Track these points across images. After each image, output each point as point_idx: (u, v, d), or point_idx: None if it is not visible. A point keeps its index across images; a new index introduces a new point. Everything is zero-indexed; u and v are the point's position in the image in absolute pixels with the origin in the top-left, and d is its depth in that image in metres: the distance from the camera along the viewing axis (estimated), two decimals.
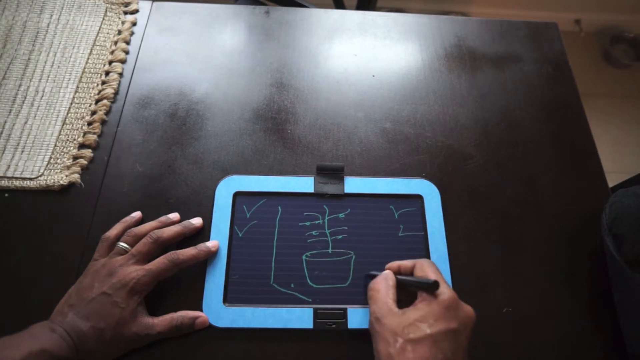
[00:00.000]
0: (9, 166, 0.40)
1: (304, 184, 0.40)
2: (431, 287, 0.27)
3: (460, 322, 0.27)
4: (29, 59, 0.46)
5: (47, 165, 0.40)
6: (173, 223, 0.37)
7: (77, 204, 0.39)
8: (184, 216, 0.38)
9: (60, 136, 0.42)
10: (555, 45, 0.51)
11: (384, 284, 0.30)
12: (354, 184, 0.40)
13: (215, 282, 0.35)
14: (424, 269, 0.30)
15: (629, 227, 0.38)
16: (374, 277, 0.33)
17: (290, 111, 0.45)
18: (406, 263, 0.32)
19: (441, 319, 0.26)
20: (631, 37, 1.36)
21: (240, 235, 0.38)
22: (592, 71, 1.34)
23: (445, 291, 0.28)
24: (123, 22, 0.50)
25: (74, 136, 0.42)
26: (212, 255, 0.36)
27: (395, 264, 0.33)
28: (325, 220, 0.39)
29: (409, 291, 0.30)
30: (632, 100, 1.30)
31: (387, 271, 0.32)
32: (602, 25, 1.39)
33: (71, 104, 0.44)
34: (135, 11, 0.51)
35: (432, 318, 0.26)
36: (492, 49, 0.51)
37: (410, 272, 0.31)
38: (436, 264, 0.37)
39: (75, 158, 0.41)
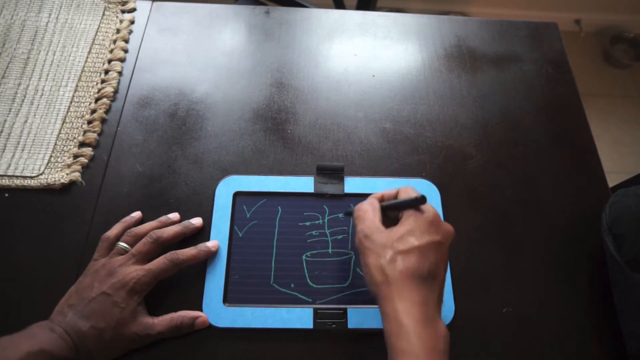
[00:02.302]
0: (9, 165, 0.40)
1: (304, 184, 0.40)
2: (419, 202, 0.29)
3: (442, 235, 0.29)
4: (28, 57, 0.46)
5: (47, 163, 0.40)
6: (173, 223, 0.37)
7: (78, 203, 0.39)
8: (184, 216, 0.38)
9: (61, 135, 0.42)
10: (555, 45, 0.51)
11: (370, 206, 0.31)
12: (354, 184, 0.40)
13: (215, 282, 0.35)
14: (408, 192, 0.31)
15: (629, 227, 0.38)
16: (349, 212, 0.34)
17: (290, 111, 0.45)
18: (389, 191, 0.33)
19: (426, 232, 0.28)
20: (631, 37, 1.36)
21: (240, 235, 0.38)
22: (592, 71, 1.34)
23: (429, 208, 0.30)
24: (121, 21, 0.49)
25: (74, 135, 0.42)
26: (212, 255, 0.36)
27: (378, 193, 0.34)
28: (325, 220, 0.39)
29: (390, 219, 0.31)
30: (632, 100, 1.30)
31: (370, 198, 0.33)
32: (602, 25, 1.39)
33: (71, 102, 0.44)
34: (133, 10, 0.51)
35: (418, 231, 0.28)
36: (492, 49, 0.51)
37: (394, 198, 0.33)
38: None
39: (75, 156, 0.41)
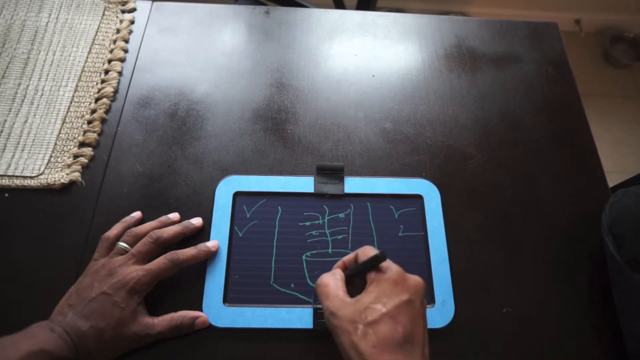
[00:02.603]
0: (9, 165, 0.40)
1: (304, 184, 0.40)
2: (379, 259, 0.28)
3: (411, 292, 0.27)
4: (28, 57, 0.46)
5: (47, 163, 0.40)
6: (173, 223, 0.37)
7: (78, 203, 0.39)
8: (184, 216, 0.38)
9: (61, 135, 0.42)
10: (555, 45, 0.51)
11: (332, 278, 0.30)
12: (354, 184, 0.40)
13: (215, 282, 0.35)
14: (366, 253, 0.30)
15: (629, 227, 0.38)
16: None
17: (290, 111, 0.45)
18: (348, 256, 0.32)
19: (393, 294, 0.27)
20: (631, 37, 1.36)
21: (240, 235, 0.38)
22: (592, 71, 1.34)
23: (392, 267, 0.28)
24: (121, 21, 0.49)
25: (74, 135, 0.42)
26: (212, 255, 0.36)
27: (340, 262, 0.32)
28: (325, 220, 0.39)
29: (358, 286, 0.30)
30: (632, 100, 1.30)
31: (334, 268, 0.32)
32: (602, 25, 1.39)
33: (71, 102, 0.44)
34: (133, 10, 0.51)
35: (384, 297, 0.27)
36: (492, 49, 0.51)
37: (355, 262, 0.31)
38: (436, 264, 0.37)
39: (75, 156, 0.41)
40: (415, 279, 0.28)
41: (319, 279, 0.30)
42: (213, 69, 0.47)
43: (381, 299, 0.27)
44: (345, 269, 0.32)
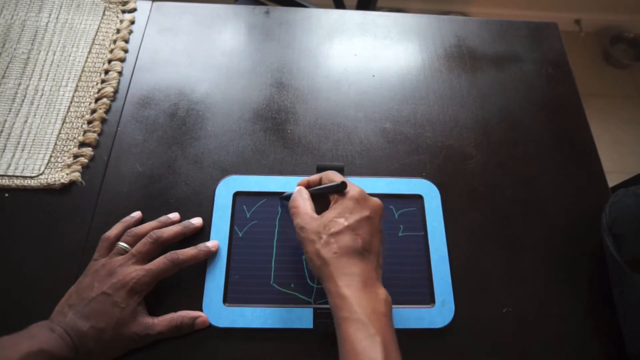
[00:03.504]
0: (9, 165, 0.40)
1: None
2: (340, 187, 0.31)
3: (371, 209, 0.31)
4: (28, 57, 0.46)
5: (47, 163, 0.40)
6: (173, 223, 0.37)
7: (78, 203, 0.39)
8: (184, 216, 0.38)
9: (61, 135, 0.42)
10: (555, 45, 0.51)
11: (300, 199, 0.33)
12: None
13: (215, 282, 0.35)
14: (330, 177, 0.33)
15: (629, 227, 0.38)
16: (287, 197, 0.36)
17: (290, 111, 0.45)
18: (313, 177, 0.35)
19: (354, 210, 0.30)
20: (631, 37, 1.36)
21: (240, 235, 0.38)
22: (592, 71, 1.34)
23: (354, 188, 0.32)
24: (121, 21, 0.49)
25: (74, 135, 0.42)
26: (212, 255, 0.36)
27: (304, 180, 0.35)
28: None
29: (322, 203, 0.33)
30: (632, 100, 1.30)
31: (298, 187, 0.34)
32: (602, 25, 1.39)
33: (71, 102, 0.44)
34: (133, 10, 0.51)
35: (347, 212, 0.30)
36: (492, 49, 0.51)
37: (319, 183, 0.34)
38: (436, 264, 0.37)
39: (75, 156, 0.41)
40: (375, 200, 0.32)
41: (291, 201, 0.34)
42: (213, 69, 0.47)
43: (344, 214, 0.30)
44: (308, 186, 0.35)
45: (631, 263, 0.35)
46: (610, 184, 0.44)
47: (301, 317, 0.34)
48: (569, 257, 0.39)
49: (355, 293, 0.27)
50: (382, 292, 0.28)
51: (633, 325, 0.34)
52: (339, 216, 0.30)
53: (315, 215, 0.31)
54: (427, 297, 0.36)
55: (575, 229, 0.40)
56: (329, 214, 0.30)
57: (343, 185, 0.31)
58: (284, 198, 0.38)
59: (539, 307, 0.36)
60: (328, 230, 0.29)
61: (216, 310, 0.34)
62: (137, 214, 0.38)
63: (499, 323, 0.36)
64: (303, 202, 0.32)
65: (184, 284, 0.35)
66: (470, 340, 0.35)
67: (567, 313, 0.36)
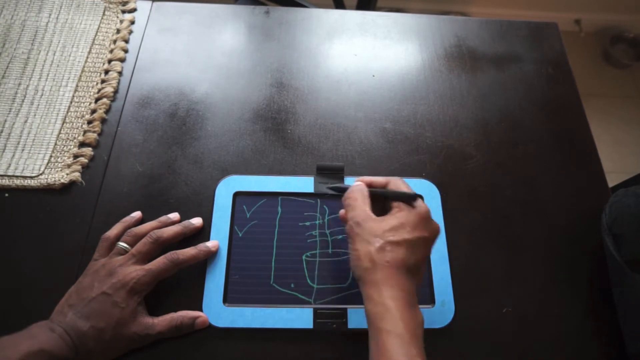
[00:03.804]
0: (9, 165, 0.40)
1: (304, 184, 0.40)
2: (412, 198, 0.31)
3: (430, 232, 0.30)
4: (28, 57, 0.46)
5: (47, 163, 0.40)
6: (173, 223, 0.37)
7: (78, 203, 0.39)
8: (184, 216, 0.38)
9: (61, 135, 0.42)
10: (555, 45, 0.51)
11: (360, 194, 0.32)
12: None
13: (215, 282, 0.35)
14: (399, 186, 0.32)
15: (629, 227, 0.38)
16: (339, 189, 0.35)
17: (290, 111, 0.45)
18: (379, 179, 0.34)
19: (417, 227, 0.29)
20: (631, 37, 1.36)
21: (240, 235, 0.38)
22: (592, 71, 1.34)
23: (422, 204, 0.31)
24: (121, 21, 0.49)
25: (74, 135, 0.42)
26: (212, 255, 0.36)
27: (366, 178, 0.34)
28: (325, 220, 0.39)
29: (377, 206, 0.32)
30: (632, 100, 1.30)
31: (359, 183, 0.34)
32: (602, 25, 1.39)
33: (71, 102, 0.44)
34: (133, 10, 0.51)
35: (409, 225, 0.29)
36: (492, 49, 0.51)
37: (383, 187, 0.33)
38: (436, 264, 0.37)
39: (75, 156, 0.41)
40: (437, 224, 0.31)
41: (348, 192, 0.33)
42: (213, 69, 0.47)
43: (406, 226, 0.29)
44: (369, 185, 0.34)
45: (631, 263, 0.35)
46: (610, 184, 0.44)
47: (301, 317, 0.34)
48: (569, 257, 0.39)
49: (400, 308, 0.27)
50: (420, 315, 0.28)
51: (633, 325, 0.34)
52: (401, 227, 0.29)
53: (374, 216, 0.30)
54: (427, 297, 0.36)
55: (575, 229, 0.40)
56: (390, 221, 0.29)
57: (415, 197, 0.30)
58: (333, 188, 0.37)
59: (539, 307, 0.36)
60: (387, 237, 0.28)
61: (216, 310, 0.34)
62: (137, 214, 0.38)
63: (499, 323, 0.36)
64: (362, 197, 0.32)
65: (184, 284, 0.35)
66: (470, 340, 0.35)
67: (567, 313, 0.36)
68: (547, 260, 0.39)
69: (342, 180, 0.40)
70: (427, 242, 0.30)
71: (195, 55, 0.48)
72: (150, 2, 0.51)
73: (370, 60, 0.49)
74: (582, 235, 0.40)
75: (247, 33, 0.50)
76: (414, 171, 0.42)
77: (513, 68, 0.49)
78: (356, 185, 0.33)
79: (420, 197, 0.30)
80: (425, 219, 0.30)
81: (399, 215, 0.30)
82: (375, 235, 0.29)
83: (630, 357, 0.34)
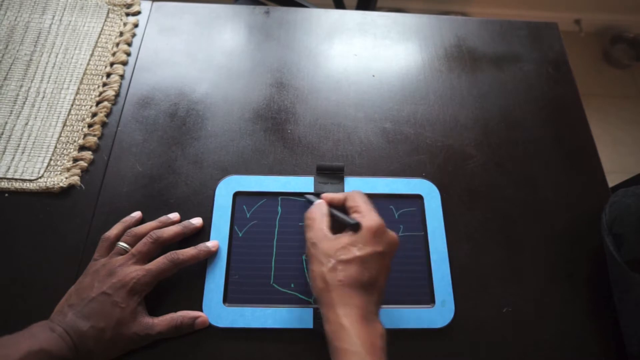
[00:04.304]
0: (9, 167, 0.40)
1: (304, 184, 0.40)
2: (354, 228, 0.30)
3: (385, 246, 0.30)
4: (30, 59, 0.46)
5: (47, 167, 0.40)
6: (173, 223, 0.37)
7: (77, 206, 0.39)
8: (184, 216, 0.38)
9: (61, 138, 0.42)
10: (555, 45, 0.51)
11: (318, 213, 0.32)
12: (354, 184, 0.40)
13: (215, 282, 0.35)
14: (355, 200, 0.32)
15: (629, 227, 0.38)
16: (309, 202, 0.35)
17: (290, 111, 0.45)
18: (338, 196, 0.34)
19: (369, 243, 0.29)
20: (631, 37, 1.36)
21: (240, 235, 0.38)
22: (592, 71, 1.34)
23: (374, 218, 0.30)
24: (125, 24, 0.50)
25: (74, 138, 0.42)
26: (212, 255, 0.36)
27: (328, 195, 0.35)
28: None
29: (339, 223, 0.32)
30: (632, 100, 1.30)
31: (320, 201, 0.34)
32: (602, 25, 1.38)
33: (72, 105, 0.44)
34: (137, 13, 0.51)
35: (361, 242, 0.29)
36: (492, 49, 0.51)
37: (342, 204, 0.33)
38: (436, 264, 0.37)
39: (75, 160, 0.41)
40: (392, 235, 0.31)
41: (308, 212, 0.33)
42: (213, 69, 0.47)
43: (358, 243, 0.29)
44: (331, 204, 0.34)
45: (631, 263, 0.35)
46: (610, 184, 0.44)
47: (301, 317, 0.34)
48: (569, 257, 0.39)
49: (354, 325, 0.27)
50: (379, 327, 0.28)
51: (633, 325, 0.34)
52: (353, 244, 0.29)
53: (330, 235, 0.31)
54: (427, 297, 0.36)
55: (575, 229, 0.40)
56: (343, 239, 0.30)
57: (357, 227, 0.30)
58: (306, 200, 0.38)
59: (539, 307, 0.36)
60: (338, 257, 0.29)
61: (216, 310, 0.34)
62: (137, 214, 0.38)
63: (499, 323, 0.36)
64: (320, 217, 0.32)
65: (184, 284, 0.36)
66: (470, 340, 0.35)
67: (567, 313, 0.36)
68: (547, 260, 0.39)
69: (342, 180, 0.40)
70: (381, 256, 0.30)
71: (195, 55, 0.48)
72: (150, 2, 0.51)
73: (370, 60, 0.49)
74: (582, 235, 0.40)
75: (247, 33, 0.50)
76: (414, 171, 0.42)
77: (513, 68, 0.49)
78: (316, 204, 0.33)
79: (357, 225, 0.30)
80: (376, 232, 0.30)
81: (350, 232, 0.30)
82: (328, 255, 0.29)
83: (630, 357, 0.34)
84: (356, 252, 0.29)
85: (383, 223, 0.30)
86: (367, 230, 0.30)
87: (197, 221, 0.37)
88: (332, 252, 0.29)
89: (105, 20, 0.49)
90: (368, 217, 0.30)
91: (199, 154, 0.42)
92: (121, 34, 0.49)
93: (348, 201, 0.33)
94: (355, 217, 0.31)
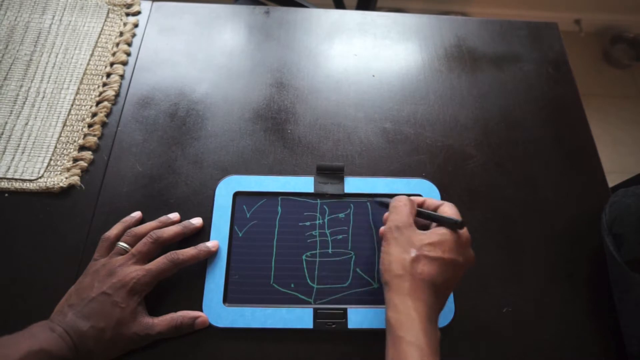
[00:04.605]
0: (9, 167, 0.40)
1: (304, 184, 0.40)
2: (456, 226, 0.30)
3: (465, 259, 0.30)
4: (30, 59, 0.46)
5: (47, 167, 0.40)
6: (173, 223, 0.37)
7: (77, 206, 0.39)
8: (184, 216, 0.38)
9: (61, 138, 0.42)
10: (555, 45, 0.51)
11: (408, 202, 0.33)
12: (354, 184, 0.40)
13: (215, 282, 0.35)
14: (451, 209, 0.32)
15: (629, 227, 0.38)
16: (383, 203, 0.36)
17: (290, 111, 0.45)
18: (434, 201, 0.34)
19: (454, 250, 0.30)
20: (631, 37, 1.36)
21: (240, 235, 0.38)
22: (592, 71, 1.34)
23: (465, 231, 0.31)
24: (125, 24, 0.50)
25: (74, 138, 0.42)
26: (212, 255, 0.36)
27: (419, 199, 0.35)
28: (325, 220, 0.39)
29: (419, 224, 0.32)
30: (631, 100, 1.30)
31: (411, 198, 0.34)
32: (602, 25, 1.38)
33: (72, 105, 0.44)
34: (137, 13, 0.51)
35: (447, 246, 0.30)
36: (492, 49, 0.51)
37: (434, 209, 0.33)
38: None
39: (75, 160, 0.41)
40: (472, 253, 0.31)
41: (398, 197, 0.33)
42: (213, 69, 0.47)
43: (444, 246, 0.30)
44: (421, 206, 0.34)
45: (631, 263, 0.35)
46: (610, 184, 0.44)
47: (301, 317, 0.34)
48: (569, 257, 0.39)
49: (424, 321, 0.27)
50: (439, 333, 0.28)
51: (633, 325, 0.34)
52: (440, 245, 0.29)
53: (415, 227, 0.31)
54: None
55: (575, 229, 0.40)
56: (431, 236, 0.30)
57: (460, 225, 0.30)
58: (379, 203, 0.37)
59: (539, 307, 0.36)
60: (424, 251, 0.29)
61: (216, 310, 0.34)
62: (137, 214, 0.38)
63: (499, 323, 0.36)
64: (410, 206, 0.32)
65: (184, 284, 0.36)
66: (470, 340, 0.35)
67: (567, 313, 0.36)
68: (547, 260, 0.39)
69: (342, 180, 0.40)
70: (458, 268, 0.30)
71: (195, 55, 0.48)
72: (150, 2, 0.51)
73: (370, 60, 0.49)
74: (582, 235, 0.40)
75: (247, 33, 0.50)
76: (414, 171, 0.42)
77: (513, 68, 0.49)
78: (407, 198, 0.34)
79: (462, 224, 0.30)
80: (464, 245, 0.30)
81: (440, 232, 0.30)
82: (413, 245, 0.29)
83: (630, 357, 0.34)
84: (441, 253, 0.29)
85: (470, 238, 0.31)
86: (456, 238, 0.30)
87: (197, 221, 0.37)
88: (418, 244, 0.29)
89: (105, 20, 0.49)
90: (460, 230, 0.31)
91: (199, 154, 0.42)
92: (121, 34, 0.49)
93: (443, 207, 0.33)
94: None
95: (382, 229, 0.33)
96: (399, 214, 0.32)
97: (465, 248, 0.31)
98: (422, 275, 0.28)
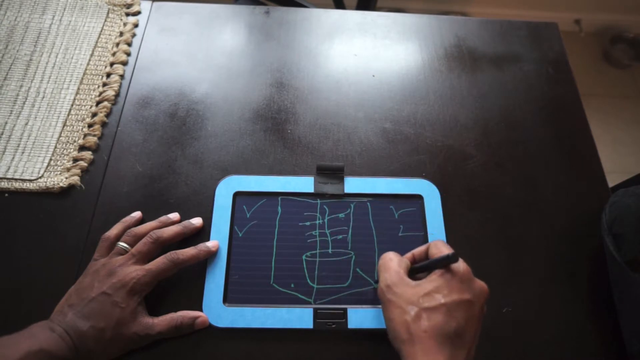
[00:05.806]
0: (9, 167, 0.40)
1: (304, 184, 0.40)
2: (451, 260, 0.28)
3: (473, 294, 0.28)
4: (30, 59, 0.46)
5: (47, 167, 0.40)
6: (173, 223, 0.37)
7: (77, 206, 0.39)
8: (184, 216, 0.38)
9: (61, 138, 0.42)
10: (555, 45, 0.51)
11: (397, 257, 0.31)
12: (354, 184, 0.40)
13: (215, 282, 0.35)
14: (439, 247, 0.31)
15: (629, 227, 0.38)
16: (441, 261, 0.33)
17: (290, 111, 0.45)
18: (419, 249, 0.33)
19: (455, 290, 0.27)
20: (631, 37, 1.36)
21: (240, 235, 0.38)
22: (592, 71, 1.34)
23: (460, 265, 0.29)
24: (125, 24, 0.50)
25: (74, 138, 0.42)
26: (212, 255, 0.36)
27: (410, 254, 0.33)
28: (325, 220, 0.39)
29: (418, 277, 0.30)
30: (632, 100, 1.30)
31: (402, 257, 0.32)
32: (602, 25, 1.38)
33: (72, 105, 0.44)
34: (137, 13, 0.51)
35: (446, 289, 0.27)
36: (492, 49, 0.51)
37: (425, 256, 0.32)
38: None
39: (75, 160, 0.41)
40: (481, 284, 0.29)
41: (385, 254, 0.31)
42: (213, 69, 0.47)
43: (442, 290, 0.27)
44: (414, 261, 0.32)
45: (631, 263, 0.35)
46: (610, 184, 0.44)
47: (301, 317, 0.34)
48: (569, 257, 0.39)
49: None
50: None
51: (633, 325, 0.34)
52: (437, 291, 0.27)
53: (408, 280, 0.29)
54: None
55: (575, 229, 0.40)
56: (426, 285, 0.28)
57: (454, 257, 0.28)
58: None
59: (539, 307, 0.36)
60: (422, 304, 0.27)
61: (216, 310, 0.34)
62: (137, 214, 0.38)
63: (498, 323, 0.36)
64: (398, 261, 0.30)
65: (184, 284, 0.36)
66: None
67: (567, 313, 0.36)
68: (547, 260, 0.39)
69: (342, 180, 0.40)
70: (469, 306, 0.27)
71: (195, 55, 0.48)
72: (150, 2, 0.51)
73: (370, 60, 0.49)
74: (582, 235, 0.40)
75: (247, 33, 0.50)
76: (414, 171, 0.42)
77: (513, 68, 0.49)
78: (392, 252, 0.32)
79: (455, 257, 0.28)
80: (464, 280, 0.28)
81: (433, 278, 0.28)
82: (410, 302, 0.27)
83: (630, 357, 0.34)
84: (441, 299, 0.27)
85: (470, 270, 0.29)
86: (453, 276, 0.28)
87: (197, 221, 0.37)
88: (414, 299, 0.27)
89: (105, 20, 0.49)
90: (454, 264, 0.29)
91: (199, 154, 0.42)
92: (121, 34, 0.49)
93: (431, 249, 0.31)
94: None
95: (378, 291, 0.30)
96: (387, 271, 0.30)
97: (468, 282, 0.28)
98: (428, 332, 0.26)
